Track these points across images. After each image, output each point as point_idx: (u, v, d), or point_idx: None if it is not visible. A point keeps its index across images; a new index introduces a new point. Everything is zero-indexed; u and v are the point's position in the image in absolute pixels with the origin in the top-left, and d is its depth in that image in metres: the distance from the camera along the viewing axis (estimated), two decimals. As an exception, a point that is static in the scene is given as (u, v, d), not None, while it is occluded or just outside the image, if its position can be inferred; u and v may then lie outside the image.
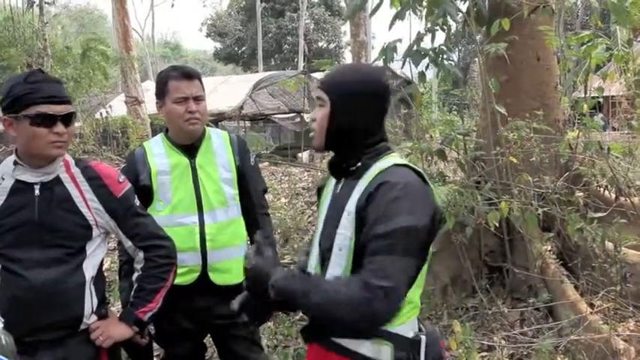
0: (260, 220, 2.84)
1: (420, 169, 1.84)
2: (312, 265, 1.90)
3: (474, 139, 5.30)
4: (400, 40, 4.57)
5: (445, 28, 4.72)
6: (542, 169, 4.65)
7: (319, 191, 2.06)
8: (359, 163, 1.82)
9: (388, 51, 4.45)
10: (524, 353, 3.86)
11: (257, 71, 28.27)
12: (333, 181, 1.95)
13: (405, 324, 1.77)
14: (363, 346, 1.75)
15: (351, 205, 1.76)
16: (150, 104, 11.12)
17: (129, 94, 9.82)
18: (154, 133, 9.87)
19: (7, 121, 2.09)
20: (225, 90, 13.55)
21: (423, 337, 1.77)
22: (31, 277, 2.06)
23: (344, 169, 1.86)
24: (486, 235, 4.73)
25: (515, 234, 4.65)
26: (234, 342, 2.76)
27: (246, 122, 18.53)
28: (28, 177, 2.12)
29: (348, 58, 34.99)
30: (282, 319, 4.18)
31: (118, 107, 11.60)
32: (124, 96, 11.80)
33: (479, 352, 3.78)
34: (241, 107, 13.18)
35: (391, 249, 1.64)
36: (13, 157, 2.15)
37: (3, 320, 1.41)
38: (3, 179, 2.13)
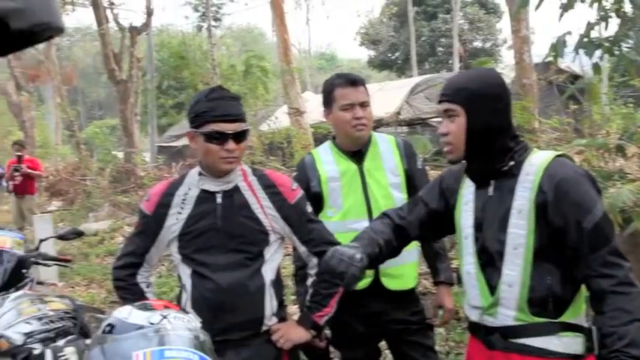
0: (430, 224, 2.78)
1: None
2: (470, 269, 1.91)
3: (658, 131, 4.83)
4: (570, 33, 4.29)
5: (621, 14, 4.36)
6: None
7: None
8: (512, 162, 1.83)
9: (558, 45, 4.19)
10: None
11: (411, 76, 28.09)
12: (468, 186, 1.96)
13: (580, 315, 1.80)
14: (553, 343, 1.76)
15: (520, 204, 1.78)
16: (310, 114, 11.46)
17: (291, 106, 10.21)
18: (316, 141, 10.15)
19: (190, 134, 2.26)
20: (382, 96, 13.57)
21: (594, 327, 1.75)
22: (218, 280, 2.19)
23: (493, 172, 1.86)
24: (678, 237, 4.28)
25: None
26: (409, 347, 2.73)
27: (403, 127, 18.45)
28: (210, 186, 2.26)
29: (505, 56, 33.69)
30: (453, 325, 4.08)
31: (281, 119, 12.11)
32: (286, 108, 12.29)
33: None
34: (398, 112, 13.15)
35: (606, 239, 1.71)
36: (197, 169, 2.31)
37: (201, 320, 1.50)
38: (190, 189, 2.28)
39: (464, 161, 1.94)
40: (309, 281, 2.37)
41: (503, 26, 36.95)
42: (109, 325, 1.40)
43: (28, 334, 1.99)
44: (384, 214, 2.16)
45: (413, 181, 2.75)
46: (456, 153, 1.89)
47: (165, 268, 7.20)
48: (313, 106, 13.64)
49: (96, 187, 14.44)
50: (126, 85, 16.06)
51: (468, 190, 1.95)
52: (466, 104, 1.83)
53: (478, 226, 1.89)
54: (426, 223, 2.08)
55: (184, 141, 18.28)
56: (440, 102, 1.92)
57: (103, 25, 16.09)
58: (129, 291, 2.32)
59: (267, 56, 18.07)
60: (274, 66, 14.88)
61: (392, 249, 2.09)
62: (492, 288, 1.84)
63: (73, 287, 7.41)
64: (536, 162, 1.80)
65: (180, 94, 19.73)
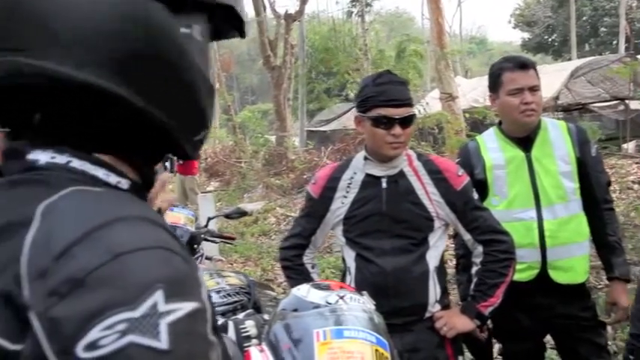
0: (605, 216, 2.61)
1: None
2: None
3: None
4: None
5: None
6: None
7: None
8: None
9: None
10: None
11: (569, 59, 26.45)
12: None
13: None
14: None
15: None
16: (461, 100, 11.17)
17: (443, 91, 10.01)
18: (473, 127, 9.89)
19: (357, 118, 2.29)
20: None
21: None
22: (382, 264, 2.20)
23: None
24: None
25: None
26: (580, 345, 2.59)
27: (559, 113, 17.44)
28: (376, 171, 2.28)
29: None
30: (622, 324, 3.81)
31: (431, 104, 11.93)
32: (436, 92, 12.08)
33: None
34: (557, 97, 12.43)
35: None
36: (363, 153, 2.33)
37: (374, 302, 1.52)
38: (355, 173, 2.31)
39: None
40: (474, 270, 2.31)
41: (679, 2, 33.57)
42: (290, 301, 1.46)
43: (209, 306, 2.12)
44: None
45: (586, 169, 2.60)
46: None
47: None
48: (464, 91, 13.29)
49: (250, 169, 15.13)
50: (280, 71, 16.61)
51: None
52: None
53: None
54: None
55: (333, 126, 18.62)
56: None
57: (260, 14, 16.74)
58: (295, 271, 2.41)
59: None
60: (423, 50, 14.68)
61: None
62: None
63: (231, 264, 7.84)
64: None
65: (329, 80, 20.05)
